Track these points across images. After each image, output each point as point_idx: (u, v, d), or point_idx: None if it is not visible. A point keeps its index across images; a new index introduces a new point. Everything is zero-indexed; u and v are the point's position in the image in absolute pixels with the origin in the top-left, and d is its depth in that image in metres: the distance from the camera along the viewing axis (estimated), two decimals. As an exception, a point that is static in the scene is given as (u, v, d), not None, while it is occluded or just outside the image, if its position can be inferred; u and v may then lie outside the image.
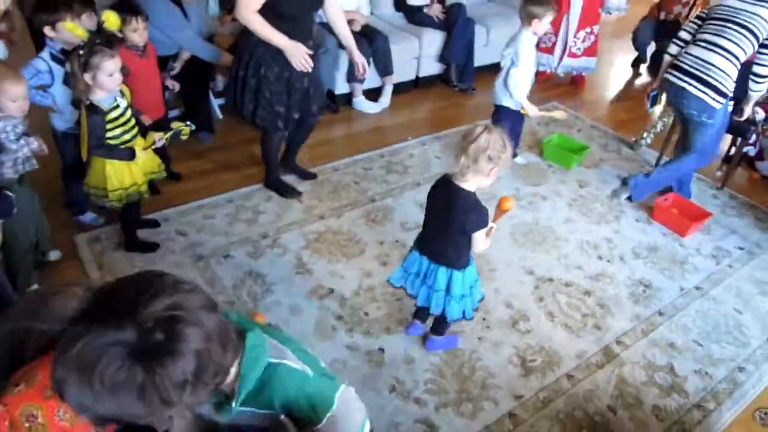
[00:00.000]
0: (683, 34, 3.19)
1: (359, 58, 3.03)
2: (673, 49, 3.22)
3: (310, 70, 2.79)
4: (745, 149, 3.74)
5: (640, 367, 2.42)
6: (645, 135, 4.03)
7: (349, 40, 3.02)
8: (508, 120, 3.30)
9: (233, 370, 1.00)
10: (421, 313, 2.40)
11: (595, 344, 2.50)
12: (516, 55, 3.14)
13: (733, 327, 2.66)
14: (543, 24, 3.14)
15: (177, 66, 3.26)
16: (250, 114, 2.90)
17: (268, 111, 2.87)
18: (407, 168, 3.64)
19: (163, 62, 3.18)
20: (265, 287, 2.63)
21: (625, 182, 3.41)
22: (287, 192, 3.27)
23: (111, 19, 2.48)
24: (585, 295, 2.75)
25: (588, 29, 4.61)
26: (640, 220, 3.30)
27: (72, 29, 2.35)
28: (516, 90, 3.22)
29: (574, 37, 4.60)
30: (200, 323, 0.85)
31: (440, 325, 2.32)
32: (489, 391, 2.25)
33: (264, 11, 2.60)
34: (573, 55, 4.69)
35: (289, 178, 3.37)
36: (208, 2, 3.68)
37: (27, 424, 0.94)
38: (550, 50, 4.64)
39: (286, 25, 2.66)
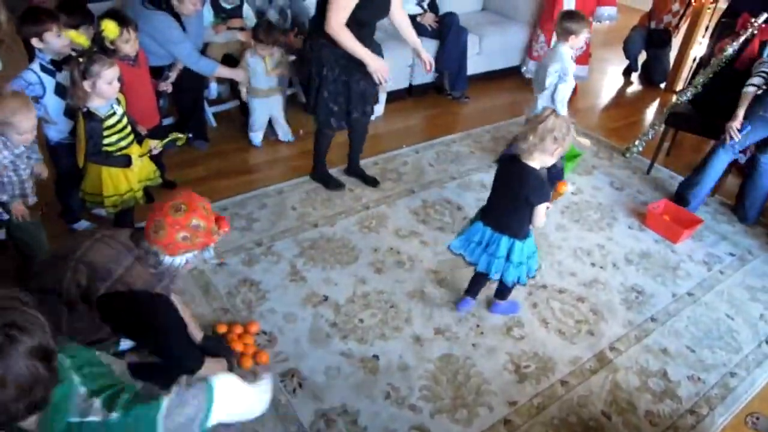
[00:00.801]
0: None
1: (426, 56, 3.17)
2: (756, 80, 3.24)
3: (387, 83, 3.00)
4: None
5: (634, 372, 2.43)
6: (636, 143, 4.07)
7: (416, 43, 3.16)
8: None
9: (32, 419, 1.01)
10: (473, 287, 2.59)
11: (588, 350, 2.51)
12: (564, 70, 3.14)
13: (725, 332, 2.68)
14: (580, 39, 3.16)
15: (172, 75, 3.27)
16: (312, 110, 3.10)
17: (324, 109, 3.04)
18: (401, 175, 3.65)
19: (157, 72, 3.19)
20: (259, 295, 2.63)
21: None
22: (332, 184, 3.45)
23: (110, 28, 2.49)
24: (578, 302, 2.77)
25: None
26: (632, 227, 3.33)
27: (75, 37, 2.36)
28: (564, 104, 3.25)
29: None
30: (8, 363, 0.89)
31: (505, 289, 2.52)
32: (484, 398, 2.25)
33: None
34: None
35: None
36: (202, 11, 3.69)
37: None
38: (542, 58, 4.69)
39: (357, 31, 2.79)
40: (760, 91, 3.14)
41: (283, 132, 3.85)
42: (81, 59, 2.23)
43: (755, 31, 3.59)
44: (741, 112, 3.14)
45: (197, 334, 2.23)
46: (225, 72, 3.48)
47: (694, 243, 3.25)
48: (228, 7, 3.75)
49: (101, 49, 2.52)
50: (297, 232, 3.05)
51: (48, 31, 2.39)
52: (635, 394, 2.33)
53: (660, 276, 2.99)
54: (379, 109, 4.37)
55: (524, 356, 2.45)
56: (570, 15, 3.17)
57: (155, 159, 2.70)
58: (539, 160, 2.16)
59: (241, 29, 3.75)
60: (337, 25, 2.72)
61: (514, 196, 2.22)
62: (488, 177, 3.68)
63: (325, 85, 2.95)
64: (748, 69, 3.35)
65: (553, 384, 2.34)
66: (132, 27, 2.72)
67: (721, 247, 3.25)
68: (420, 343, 2.46)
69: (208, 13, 3.72)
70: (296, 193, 3.35)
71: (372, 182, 3.52)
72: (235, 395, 1.21)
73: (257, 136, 3.80)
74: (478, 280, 2.56)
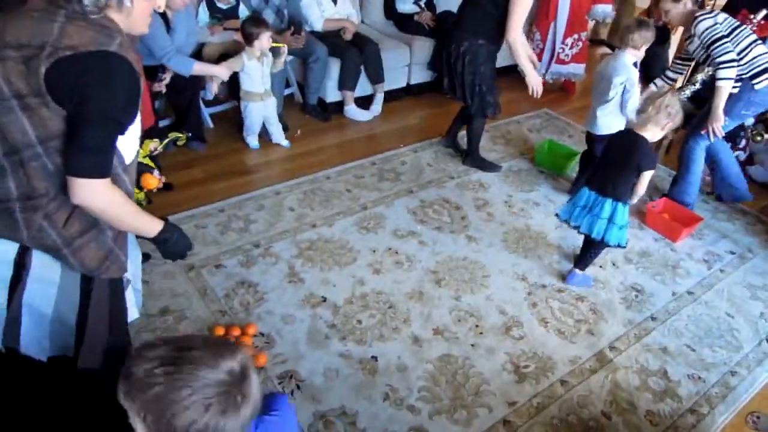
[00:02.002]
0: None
1: (531, 80, 3.33)
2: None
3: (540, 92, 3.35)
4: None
5: (634, 372, 2.42)
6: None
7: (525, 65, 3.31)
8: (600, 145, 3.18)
9: None
10: (581, 259, 2.81)
11: (588, 350, 2.50)
12: (630, 82, 3.02)
13: (725, 331, 2.67)
14: (641, 51, 3.04)
15: (167, 76, 3.25)
16: (466, 99, 3.45)
17: (482, 100, 3.41)
18: (399, 175, 3.64)
19: (151, 72, 3.16)
20: (257, 296, 2.62)
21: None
22: (489, 167, 3.75)
23: None
24: (578, 301, 2.75)
25: (575, 36, 4.65)
26: (632, 226, 3.31)
27: None
28: (635, 113, 3.06)
29: (562, 43, 4.64)
30: None
31: (588, 258, 2.77)
32: (483, 398, 2.24)
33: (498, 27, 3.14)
34: (561, 62, 4.72)
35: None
36: (198, 12, 3.68)
37: None
38: (538, 57, 4.67)
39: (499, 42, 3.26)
40: (735, 89, 3.08)
41: (277, 134, 3.82)
42: None
43: (754, 28, 3.57)
44: (720, 109, 3.05)
45: None
46: (203, 69, 3.36)
47: (694, 241, 3.24)
48: (224, 7, 3.74)
49: None
50: (295, 233, 3.04)
51: None
52: (635, 394, 2.32)
53: (660, 275, 2.97)
54: (376, 108, 4.36)
55: (523, 356, 2.44)
56: (643, 24, 3.02)
57: (153, 160, 2.68)
58: (651, 132, 2.46)
59: (237, 30, 3.73)
60: (518, 34, 3.11)
61: (626, 163, 2.49)
62: (487, 176, 3.67)
63: (483, 79, 3.33)
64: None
65: (553, 384, 2.33)
66: None
67: (721, 245, 3.24)
68: (419, 343, 2.45)
69: (204, 14, 3.71)
70: (294, 194, 3.34)
71: (463, 153, 3.86)
72: None
73: (253, 140, 3.78)
74: (585, 250, 2.78)
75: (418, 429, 2.11)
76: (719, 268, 3.06)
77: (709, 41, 2.92)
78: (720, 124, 3.09)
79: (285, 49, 3.57)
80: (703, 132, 3.18)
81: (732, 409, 2.30)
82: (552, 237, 3.17)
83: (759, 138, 3.68)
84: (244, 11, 3.82)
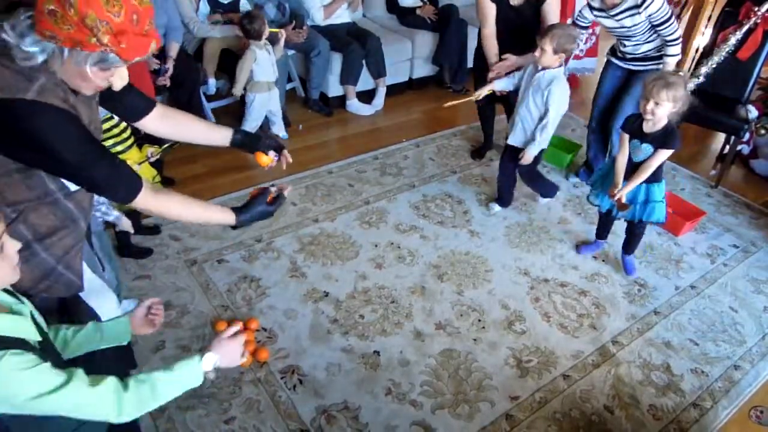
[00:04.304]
0: None
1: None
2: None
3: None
4: (738, 147, 3.75)
5: (636, 366, 2.41)
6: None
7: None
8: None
9: None
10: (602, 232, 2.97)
11: (591, 344, 2.50)
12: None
13: (728, 325, 2.66)
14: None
15: (169, 67, 3.25)
16: None
17: None
18: (402, 170, 3.63)
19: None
20: (259, 291, 2.62)
21: None
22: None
23: None
24: (580, 295, 2.75)
25: (590, 30, 4.61)
26: (634, 220, 3.30)
27: None
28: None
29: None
30: None
31: (635, 241, 2.85)
32: (485, 393, 2.24)
33: None
34: (576, 57, 4.69)
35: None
36: (198, 6, 3.67)
37: None
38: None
39: None
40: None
41: (278, 126, 3.81)
42: None
43: (758, 21, 3.55)
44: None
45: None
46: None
47: (697, 235, 3.23)
48: (224, 2, 3.73)
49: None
50: (297, 227, 3.04)
51: None
52: (638, 388, 2.32)
53: (663, 269, 2.96)
54: (378, 103, 4.35)
55: (526, 351, 2.43)
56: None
57: (154, 164, 2.67)
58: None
59: (236, 23, 3.72)
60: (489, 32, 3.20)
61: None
62: (489, 171, 3.66)
63: None
64: (752, 59, 3.32)
65: (555, 378, 2.33)
66: None
67: (724, 239, 3.23)
68: (421, 338, 2.44)
69: (204, 7, 3.70)
70: (296, 189, 3.33)
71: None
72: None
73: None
74: (630, 234, 2.85)
75: (420, 423, 2.11)
76: (722, 262, 3.05)
77: (660, 20, 2.87)
78: None
79: (282, 33, 3.56)
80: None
81: (735, 404, 2.30)
82: (554, 231, 3.16)
83: (763, 131, 3.66)
84: (245, 5, 3.80)
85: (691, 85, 3.55)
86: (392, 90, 4.47)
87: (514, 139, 3.01)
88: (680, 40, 2.95)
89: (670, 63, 2.99)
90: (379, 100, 4.36)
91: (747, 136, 3.74)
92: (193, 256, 2.78)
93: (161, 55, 3.27)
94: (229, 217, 1.58)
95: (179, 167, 3.40)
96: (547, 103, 2.81)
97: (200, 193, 3.24)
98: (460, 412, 2.16)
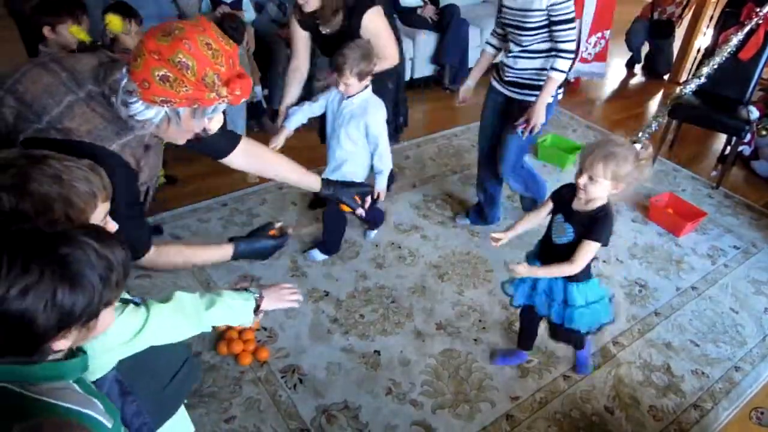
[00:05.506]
0: None
1: None
2: None
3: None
4: (740, 148, 3.75)
5: (637, 367, 2.41)
6: (640, 135, 4.03)
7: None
8: None
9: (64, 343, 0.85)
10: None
11: (591, 345, 2.49)
12: None
13: (729, 326, 2.66)
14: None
15: None
16: None
17: None
18: (402, 170, 3.63)
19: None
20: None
21: None
22: None
23: (114, 23, 2.46)
24: (581, 296, 2.74)
25: (599, 34, 4.60)
26: (635, 220, 3.30)
27: (76, 33, 2.32)
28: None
29: (586, 41, 4.58)
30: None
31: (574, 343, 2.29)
32: (485, 393, 2.24)
33: None
34: (584, 60, 4.67)
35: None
36: (200, 4, 3.67)
37: None
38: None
39: None
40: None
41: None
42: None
43: (760, 21, 3.55)
44: (545, 104, 2.56)
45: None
46: None
47: (698, 236, 3.23)
48: (227, 1, 3.73)
49: (101, 42, 2.49)
50: (297, 227, 3.03)
51: (63, 23, 2.35)
52: (638, 389, 2.32)
53: (663, 270, 2.96)
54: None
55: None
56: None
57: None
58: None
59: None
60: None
61: None
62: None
63: None
64: (753, 59, 3.32)
65: (556, 379, 2.33)
66: (136, 20, 2.69)
67: (725, 240, 3.23)
68: (421, 338, 2.44)
69: (206, 6, 3.70)
70: (296, 189, 3.32)
71: None
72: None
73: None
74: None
75: (420, 423, 2.11)
76: (723, 263, 3.05)
77: (560, 18, 2.37)
78: (542, 121, 2.59)
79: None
80: (520, 129, 2.63)
81: (736, 405, 2.29)
82: (555, 232, 3.15)
83: (764, 132, 3.66)
84: (247, 3, 3.80)
85: (693, 86, 3.55)
86: (393, 90, 4.46)
87: (337, 176, 2.51)
88: (572, 55, 2.45)
89: (555, 78, 2.46)
90: (380, 100, 4.35)
91: (748, 137, 3.74)
92: (193, 255, 2.78)
93: None
94: (227, 252, 1.64)
95: (181, 166, 3.40)
96: (371, 131, 2.46)
97: (201, 192, 3.24)
98: (461, 412, 2.16)
